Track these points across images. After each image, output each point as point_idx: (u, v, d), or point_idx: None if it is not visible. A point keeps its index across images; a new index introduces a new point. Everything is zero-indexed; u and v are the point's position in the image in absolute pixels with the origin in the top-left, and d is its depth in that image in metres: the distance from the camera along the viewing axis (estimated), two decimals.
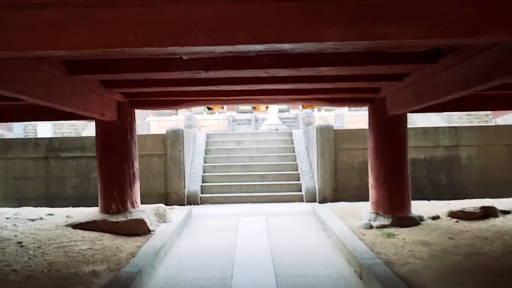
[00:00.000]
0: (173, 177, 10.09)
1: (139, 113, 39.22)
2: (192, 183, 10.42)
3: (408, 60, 4.48)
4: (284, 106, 32.52)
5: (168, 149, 10.11)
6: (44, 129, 23.65)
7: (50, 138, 10.41)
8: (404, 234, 5.90)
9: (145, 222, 6.28)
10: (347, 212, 7.63)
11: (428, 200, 9.35)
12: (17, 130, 27.53)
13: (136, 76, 4.87)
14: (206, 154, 12.04)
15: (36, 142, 10.24)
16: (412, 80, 5.23)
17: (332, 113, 31.82)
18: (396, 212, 6.45)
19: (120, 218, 6.29)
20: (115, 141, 6.65)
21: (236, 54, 4.37)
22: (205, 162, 11.67)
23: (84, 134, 32.30)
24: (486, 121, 32.51)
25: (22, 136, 27.17)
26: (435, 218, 6.68)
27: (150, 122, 30.65)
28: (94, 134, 7.03)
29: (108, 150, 6.64)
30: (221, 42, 2.43)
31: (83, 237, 5.82)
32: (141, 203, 8.86)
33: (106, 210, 6.60)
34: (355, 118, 30.73)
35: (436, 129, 10.43)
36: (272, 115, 22.21)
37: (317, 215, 7.87)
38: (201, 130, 29.95)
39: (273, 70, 4.56)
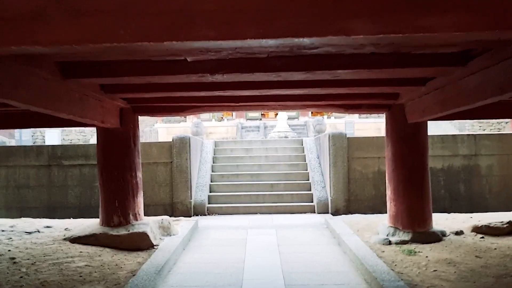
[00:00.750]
0: (179, 187, 9.71)
1: (147, 120, 39.19)
2: (199, 193, 10.03)
3: (434, 62, 4.07)
4: (293, 113, 32.24)
5: (174, 157, 9.75)
6: (52, 136, 23.47)
7: (53, 146, 10.10)
8: (426, 251, 5.44)
9: (148, 236, 5.89)
10: (362, 225, 7.18)
11: (446, 212, 8.87)
12: (25, 136, 27.38)
13: (137, 80, 4.51)
14: (214, 162, 11.66)
15: (39, 149, 9.93)
16: (436, 85, 4.81)
17: (342, 120, 31.41)
18: (416, 226, 6.00)
19: (122, 231, 5.91)
20: (117, 149, 6.29)
21: (245, 55, 4.00)
22: (212, 171, 11.28)
23: (92, 141, 32.16)
24: (499, 129, 31.84)
25: (31, 143, 27.03)
26: (459, 233, 6.21)
27: (158, 129, 30.44)
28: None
29: (110, 159, 6.27)
30: (228, 36, 2.04)
31: (81, 252, 5.44)
32: (146, 214, 8.50)
33: (107, 222, 6.23)
34: (366, 125, 30.34)
35: (454, 137, 9.95)
36: (281, 122, 21.83)
37: (330, 228, 7.44)
38: (210, 137, 29.65)
39: (286, 73, 4.17)
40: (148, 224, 6.23)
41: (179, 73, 4.19)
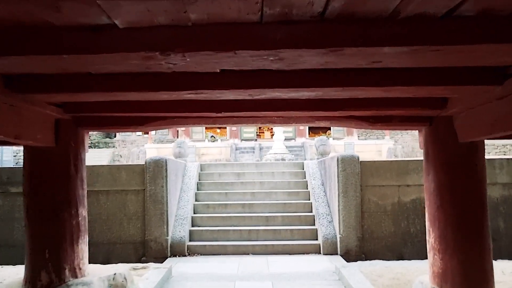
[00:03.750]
0: (153, 220, 7.84)
1: (139, 140, 37.43)
2: (178, 228, 8.16)
3: None
4: (289, 133, 30.57)
5: (147, 184, 7.91)
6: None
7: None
8: None
9: None
10: (388, 281, 5.34)
11: None
12: (6, 156, 25.36)
13: (47, 63, 2.73)
14: (198, 189, 9.81)
15: None
16: None
17: (341, 142, 29.72)
18: None
19: None
20: (51, 177, 4.47)
21: (221, 19, 2.25)
22: (196, 200, 9.43)
23: None
24: (504, 152, 30.14)
25: (12, 164, 24.92)
26: None
27: (147, 150, 28.60)
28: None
29: (39, 191, 4.45)
30: None
31: None
32: (111, 255, 6.78)
33: (32, 281, 4.36)
34: (366, 147, 28.65)
35: (490, 162, 8.18)
36: (278, 143, 20.05)
37: (345, 282, 5.58)
38: (202, 158, 27.84)
39: (291, 52, 2.42)
40: (91, 283, 4.37)
41: (108, 51, 2.42)
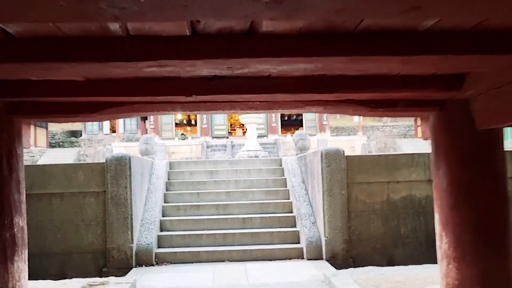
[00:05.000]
0: (115, 226, 6.91)
1: (106, 139, 36.06)
2: (145, 233, 7.26)
3: None
4: (262, 131, 29.84)
5: (108, 185, 6.97)
6: None
7: None
8: None
9: None
10: None
11: None
12: None
13: None
14: (167, 189, 8.91)
15: None
16: None
17: (315, 138, 29.14)
18: None
19: None
20: None
21: None
22: (165, 201, 8.53)
23: (40, 162, 28.71)
24: None
25: None
26: None
27: (114, 149, 27.38)
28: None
29: None
30: None
31: None
32: (67, 266, 6.01)
33: None
34: (339, 144, 28.13)
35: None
36: (250, 140, 19.24)
37: None
38: (172, 157, 26.78)
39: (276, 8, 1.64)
40: None
41: None
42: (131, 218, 6.97)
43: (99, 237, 6.99)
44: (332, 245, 6.98)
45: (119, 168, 6.97)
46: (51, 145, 38.63)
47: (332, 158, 7.06)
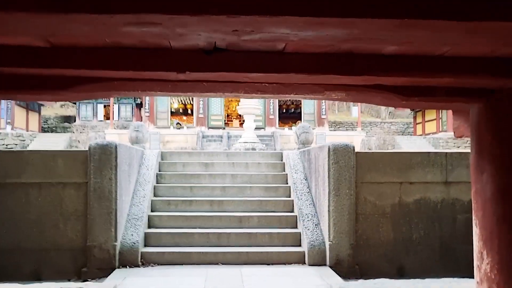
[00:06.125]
0: (97, 221, 6.21)
1: (100, 125, 35.35)
2: (131, 230, 6.57)
3: None
4: (259, 123, 29.07)
5: (91, 175, 6.25)
6: None
7: None
8: None
9: None
10: None
11: None
12: None
13: None
14: (157, 182, 8.20)
15: None
16: None
17: (313, 132, 28.39)
18: None
19: None
20: None
21: None
22: (155, 195, 7.83)
23: (31, 147, 27.91)
24: None
25: None
26: None
27: (107, 136, 26.61)
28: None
29: None
30: None
31: None
32: (43, 265, 5.44)
33: None
34: (338, 138, 27.41)
35: None
36: (248, 131, 18.54)
37: None
38: (167, 146, 26.05)
39: None
40: None
41: None
42: (115, 213, 6.27)
43: (79, 234, 6.29)
44: (337, 250, 6.31)
45: (103, 157, 6.26)
46: (44, 130, 37.83)
47: (340, 154, 6.38)
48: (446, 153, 6.51)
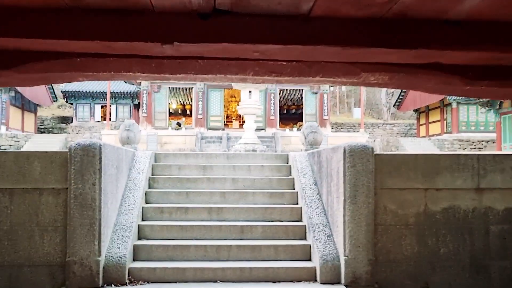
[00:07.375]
0: (78, 233, 5.40)
1: (97, 126, 34.60)
2: (118, 243, 5.76)
3: None
4: (259, 124, 28.26)
5: (71, 180, 5.44)
6: None
7: None
8: None
9: None
10: None
11: None
12: None
13: None
14: (150, 187, 7.39)
15: None
16: None
17: (321, 132, 27.63)
18: None
19: None
20: None
21: None
22: (146, 202, 7.02)
23: (26, 148, 27.09)
24: (480, 148, 29.05)
25: None
26: None
27: (103, 137, 25.83)
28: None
29: None
30: None
31: None
32: (16, 281, 4.69)
33: None
34: (340, 140, 26.60)
35: None
36: (248, 132, 17.79)
37: None
38: (165, 147, 25.30)
39: None
40: None
41: None
42: (99, 224, 5.45)
43: (57, 247, 5.48)
44: (354, 266, 5.50)
45: (86, 160, 5.44)
46: (40, 131, 37.08)
47: (358, 156, 5.57)
48: (478, 155, 5.71)
